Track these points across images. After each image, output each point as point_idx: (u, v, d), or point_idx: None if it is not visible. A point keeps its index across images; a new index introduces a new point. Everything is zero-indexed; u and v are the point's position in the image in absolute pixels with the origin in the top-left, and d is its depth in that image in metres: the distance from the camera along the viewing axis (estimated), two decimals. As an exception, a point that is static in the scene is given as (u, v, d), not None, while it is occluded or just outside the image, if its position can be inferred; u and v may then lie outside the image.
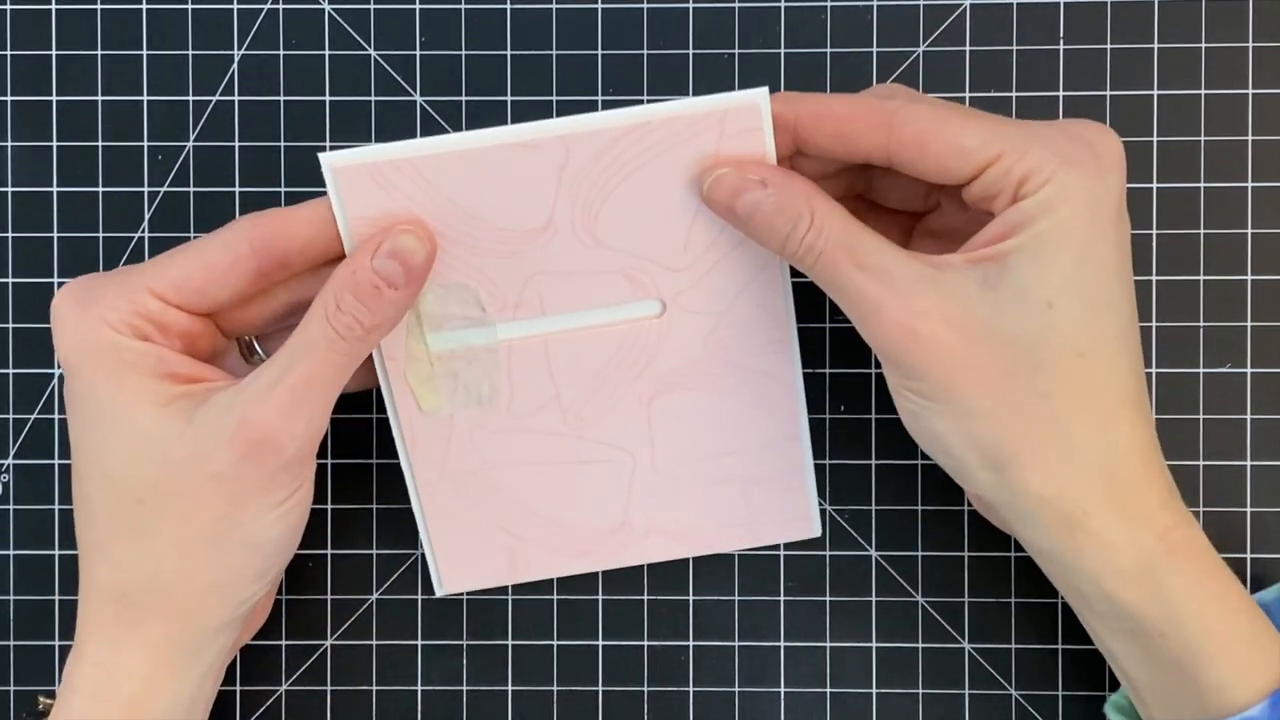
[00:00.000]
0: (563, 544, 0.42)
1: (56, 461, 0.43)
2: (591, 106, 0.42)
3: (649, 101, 0.40)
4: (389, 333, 0.37)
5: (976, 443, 0.34)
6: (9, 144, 0.43)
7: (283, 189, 0.43)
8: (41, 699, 0.41)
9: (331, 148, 0.42)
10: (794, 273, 0.39)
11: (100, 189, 0.43)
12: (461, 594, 0.43)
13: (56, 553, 0.43)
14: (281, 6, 0.43)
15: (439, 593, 0.42)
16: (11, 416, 0.43)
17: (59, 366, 0.43)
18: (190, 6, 0.43)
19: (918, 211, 0.39)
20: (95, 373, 0.35)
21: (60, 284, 0.43)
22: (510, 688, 0.43)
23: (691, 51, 0.42)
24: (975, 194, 0.35)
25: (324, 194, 0.36)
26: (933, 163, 0.34)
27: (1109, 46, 0.42)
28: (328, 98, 0.43)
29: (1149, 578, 0.34)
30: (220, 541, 0.36)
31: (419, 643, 0.43)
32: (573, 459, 0.40)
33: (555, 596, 0.43)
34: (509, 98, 0.42)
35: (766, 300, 0.39)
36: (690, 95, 0.42)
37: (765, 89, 0.35)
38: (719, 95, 0.35)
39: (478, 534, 0.41)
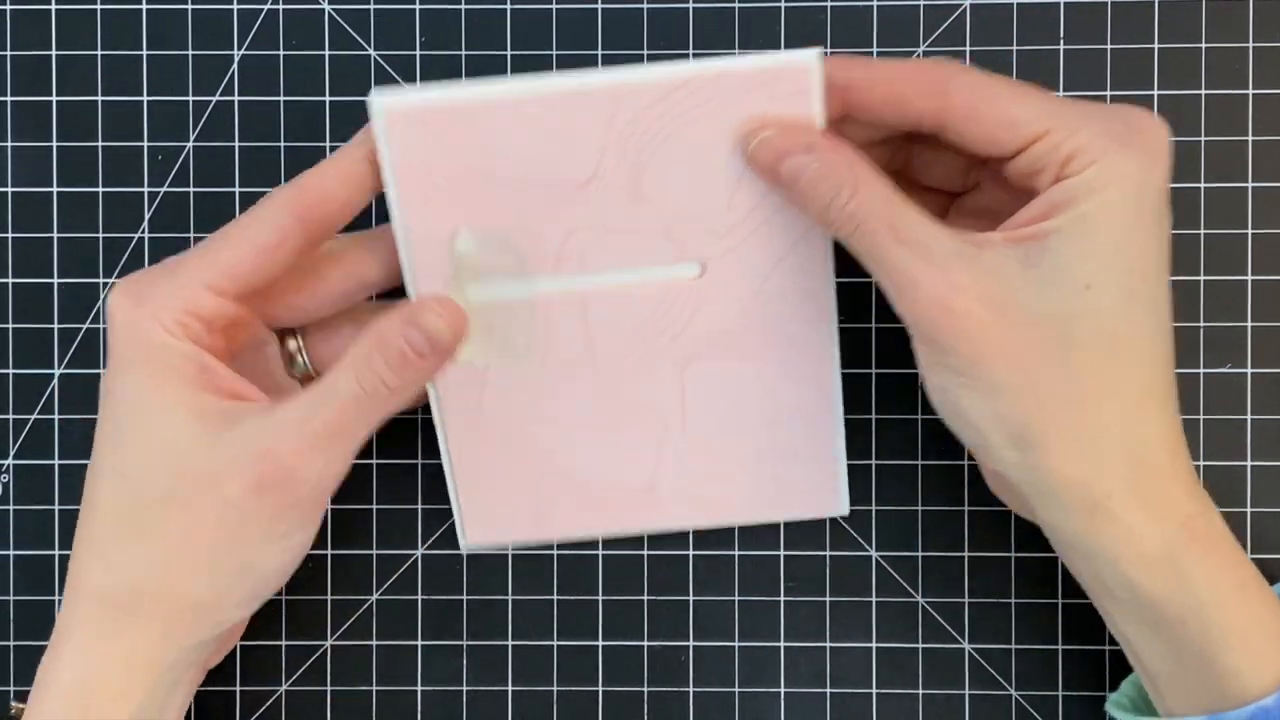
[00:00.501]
0: (589, 504, 0.41)
1: (56, 462, 0.43)
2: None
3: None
4: (416, 392, 0.37)
5: (1004, 421, 0.34)
6: (9, 144, 0.43)
7: (283, 189, 0.43)
8: (14, 704, 0.41)
9: (373, 98, 0.42)
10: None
11: (100, 189, 0.43)
12: (485, 548, 0.42)
13: (56, 553, 0.43)
14: (281, 6, 0.43)
15: (463, 546, 0.42)
16: (11, 416, 0.43)
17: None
18: (190, 6, 0.43)
19: (956, 190, 0.39)
20: (140, 372, 0.35)
21: (60, 284, 0.43)
22: (510, 688, 0.43)
23: (691, 51, 0.42)
24: (1020, 169, 0.34)
25: (349, 141, 0.37)
26: (983, 132, 0.34)
27: (1109, 46, 0.42)
28: (328, 98, 0.43)
29: (1170, 565, 0.34)
30: (217, 563, 0.36)
31: (419, 643, 0.43)
32: (604, 419, 0.40)
33: (555, 597, 0.43)
34: (509, 98, 0.42)
35: (808, 268, 0.38)
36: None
37: (818, 50, 0.35)
38: (771, 54, 0.35)
39: (505, 488, 0.41)
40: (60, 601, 0.40)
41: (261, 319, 0.38)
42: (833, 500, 0.42)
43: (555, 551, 0.43)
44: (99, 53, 0.43)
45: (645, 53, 0.42)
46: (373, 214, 0.42)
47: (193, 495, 0.35)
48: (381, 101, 0.35)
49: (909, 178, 0.39)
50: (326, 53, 0.43)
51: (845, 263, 0.37)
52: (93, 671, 0.36)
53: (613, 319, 0.39)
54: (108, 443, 0.36)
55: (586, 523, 0.42)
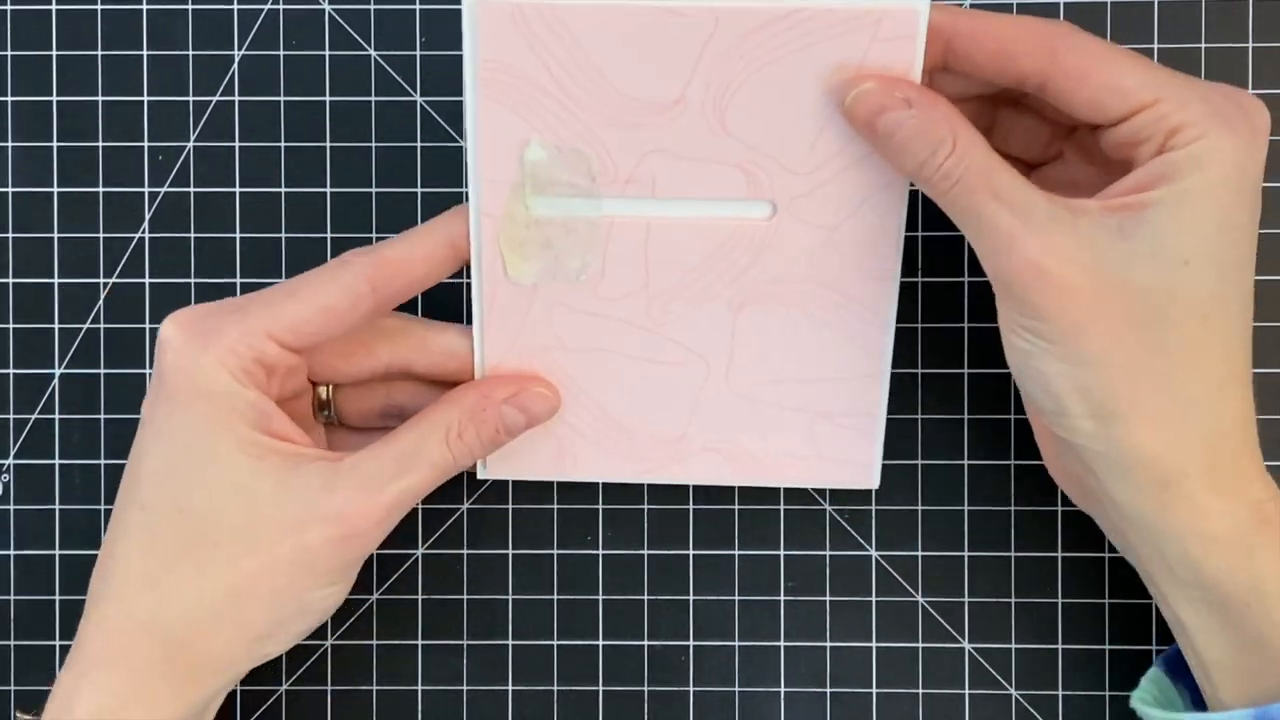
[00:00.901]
0: (617, 445, 0.41)
1: (57, 462, 0.43)
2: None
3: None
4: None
5: (1086, 390, 0.34)
6: (9, 144, 0.43)
7: (283, 189, 0.43)
8: (19, 715, 0.41)
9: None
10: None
11: (100, 189, 0.43)
12: (505, 479, 0.42)
13: (56, 553, 0.43)
14: (281, 6, 0.43)
15: (481, 474, 0.42)
16: (12, 416, 0.43)
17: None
18: (190, 6, 0.43)
19: (1036, 161, 0.39)
20: (200, 411, 0.36)
21: (60, 284, 0.43)
22: (510, 688, 0.43)
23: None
24: (1120, 137, 0.34)
25: (437, 218, 0.38)
26: (1089, 96, 0.34)
27: (1109, 46, 0.42)
28: (328, 98, 0.43)
29: (1238, 547, 0.34)
30: (280, 602, 0.36)
31: (419, 643, 0.43)
32: (648, 355, 0.39)
33: (555, 597, 0.43)
34: (509, 98, 0.42)
35: (881, 224, 0.38)
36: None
37: None
38: None
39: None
40: (60, 602, 0.40)
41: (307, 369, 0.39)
42: (865, 471, 0.41)
43: (555, 551, 0.43)
44: (99, 53, 0.43)
45: (645, 53, 0.42)
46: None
47: (266, 538, 0.36)
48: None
49: (992, 144, 0.38)
50: (326, 53, 0.43)
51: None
52: (134, 695, 0.36)
53: (674, 251, 0.38)
54: (158, 479, 0.36)
55: (610, 467, 0.41)
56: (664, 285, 0.39)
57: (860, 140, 0.36)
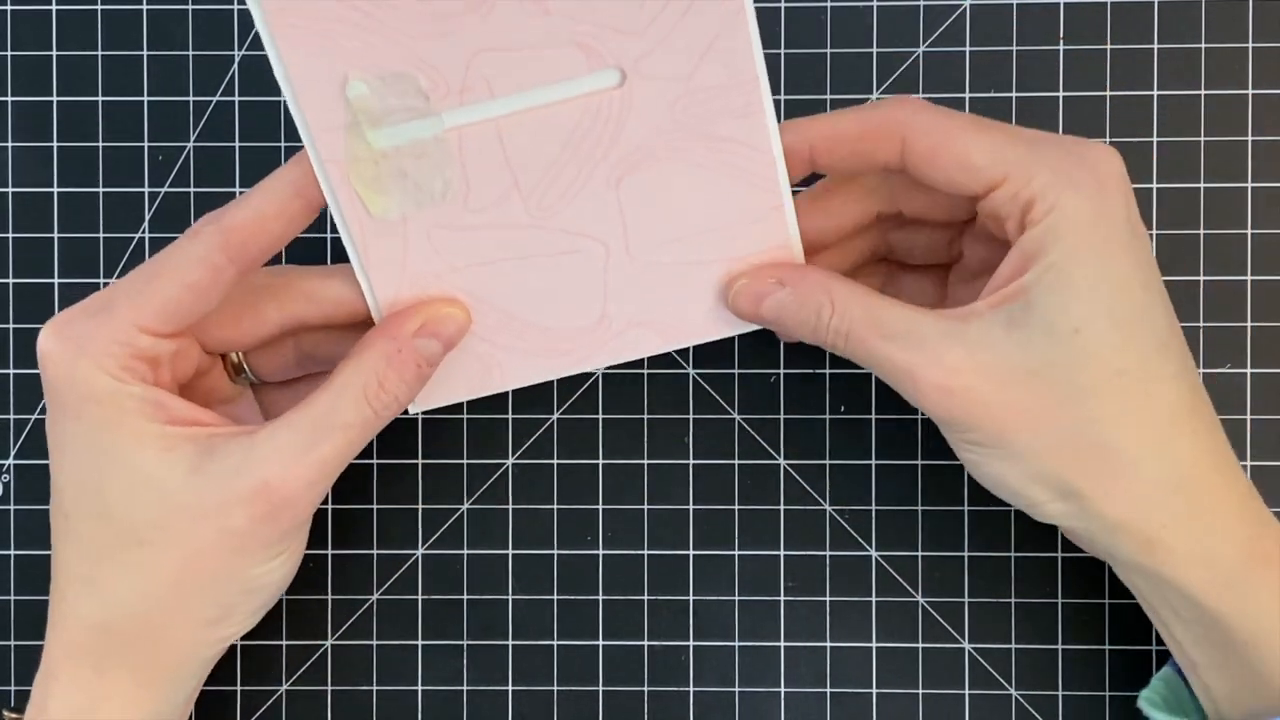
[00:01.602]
0: (537, 345, 0.39)
1: (57, 461, 0.43)
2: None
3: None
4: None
5: (1042, 479, 0.34)
6: (9, 144, 0.43)
7: (283, 189, 0.43)
8: (8, 713, 0.41)
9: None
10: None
11: (100, 189, 0.43)
12: (431, 411, 0.40)
13: (57, 553, 0.43)
14: (281, 7, 0.43)
15: (412, 410, 0.40)
16: (12, 417, 0.43)
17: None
18: (190, 6, 0.43)
19: (944, 262, 0.40)
20: (93, 418, 0.35)
21: (60, 284, 0.43)
22: (510, 688, 0.43)
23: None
24: (987, 213, 0.35)
25: (280, 170, 0.36)
26: (943, 176, 0.35)
27: (1109, 47, 0.42)
28: (328, 98, 0.43)
29: (1234, 588, 0.34)
30: (220, 586, 0.36)
31: (419, 643, 0.43)
32: (541, 252, 0.38)
33: (555, 597, 0.43)
34: (509, 98, 0.42)
35: (734, 60, 0.35)
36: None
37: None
38: None
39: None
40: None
41: (199, 344, 0.38)
42: (783, 246, 0.38)
43: (555, 551, 0.43)
44: (99, 53, 0.43)
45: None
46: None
47: (189, 526, 0.35)
48: None
49: (897, 261, 0.40)
50: (326, 53, 0.43)
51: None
52: (102, 687, 0.36)
53: (533, 143, 0.36)
54: (75, 487, 0.36)
55: (539, 365, 0.39)
56: (534, 180, 0.37)
57: None
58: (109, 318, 0.35)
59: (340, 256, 0.41)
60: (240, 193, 0.43)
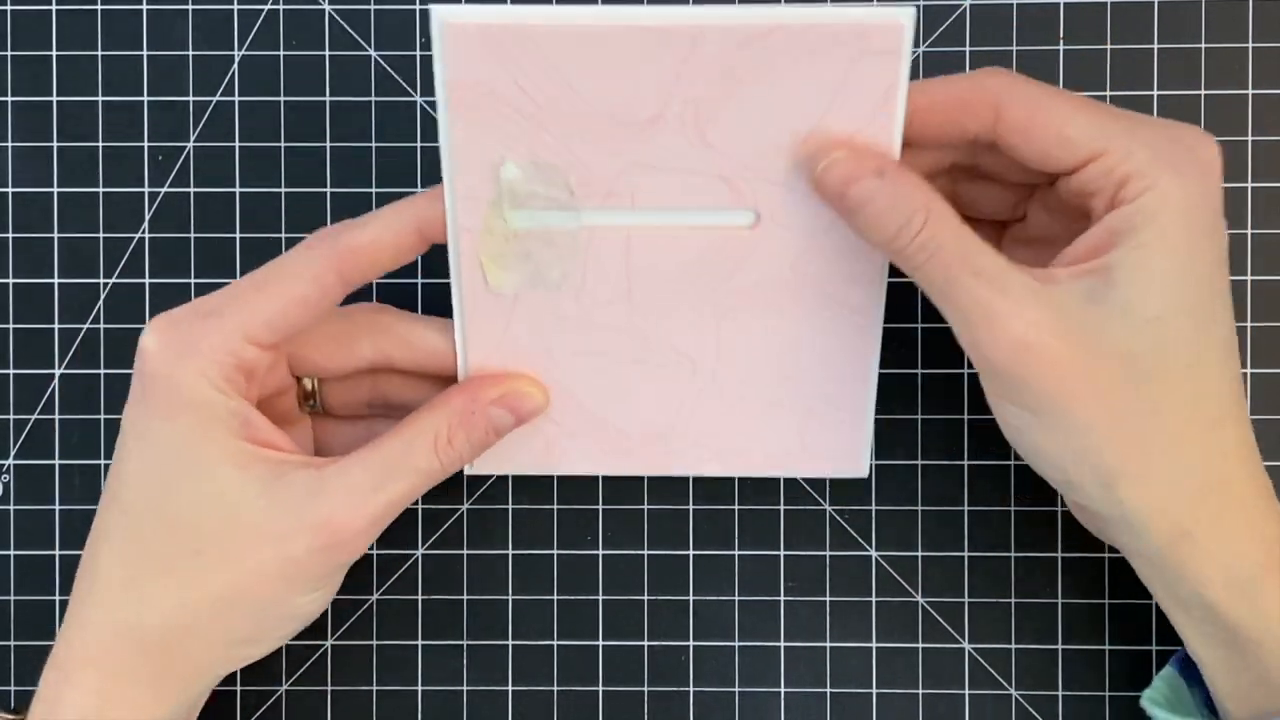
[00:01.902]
0: (604, 441, 0.40)
1: (57, 462, 0.43)
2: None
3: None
4: None
5: (1085, 458, 0.34)
6: (9, 144, 0.43)
7: (283, 189, 0.43)
8: (4, 715, 0.41)
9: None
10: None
11: (100, 189, 0.43)
12: (491, 475, 0.41)
13: (57, 553, 0.43)
14: (281, 6, 0.43)
15: (468, 471, 0.41)
16: (12, 417, 0.43)
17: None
18: (190, 6, 0.43)
19: (1004, 220, 0.39)
20: (184, 422, 0.35)
21: (60, 284, 0.43)
22: (510, 688, 0.43)
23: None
24: (1074, 188, 0.34)
25: (401, 201, 0.37)
26: (1037, 149, 0.34)
27: (1109, 47, 0.42)
28: (328, 98, 0.43)
29: (1251, 590, 0.34)
30: (264, 610, 0.36)
31: (419, 643, 0.43)
32: (633, 357, 0.39)
33: (555, 597, 0.43)
34: (509, 98, 0.42)
35: None
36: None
37: (912, 8, 0.33)
38: (862, 8, 0.34)
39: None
40: (60, 602, 0.40)
41: (288, 364, 0.39)
42: (854, 460, 0.41)
43: (555, 551, 0.43)
44: (99, 53, 0.43)
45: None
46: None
47: (250, 547, 0.35)
48: (442, 15, 0.34)
49: (958, 211, 0.39)
50: (326, 53, 0.43)
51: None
52: (119, 693, 0.36)
53: (657, 259, 0.37)
54: (142, 487, 0.36)
55: (600, 460, 0.41)
56: (647, 293, 0.38)
57: None
58: (219, 323, 0.36)
59: (397, 299, 0.42)
60: (240, 193, 0.43)
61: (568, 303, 0.38)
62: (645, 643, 0.43)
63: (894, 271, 0.38)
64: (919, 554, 0.43)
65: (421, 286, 0.43)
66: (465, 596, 0.43)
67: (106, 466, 0.43)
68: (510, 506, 0.43)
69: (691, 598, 0.43)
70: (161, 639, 0.36)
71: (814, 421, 0.40)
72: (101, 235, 0.43)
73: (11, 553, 0.43)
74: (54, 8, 0.43)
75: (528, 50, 0.34)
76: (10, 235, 0.43)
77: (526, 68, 0.34)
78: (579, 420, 0.40)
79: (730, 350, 0.39)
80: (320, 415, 0.41)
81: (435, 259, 0.39)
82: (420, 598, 0.43)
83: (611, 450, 0.41)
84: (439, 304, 0.42)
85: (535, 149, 0.36)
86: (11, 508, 0.43)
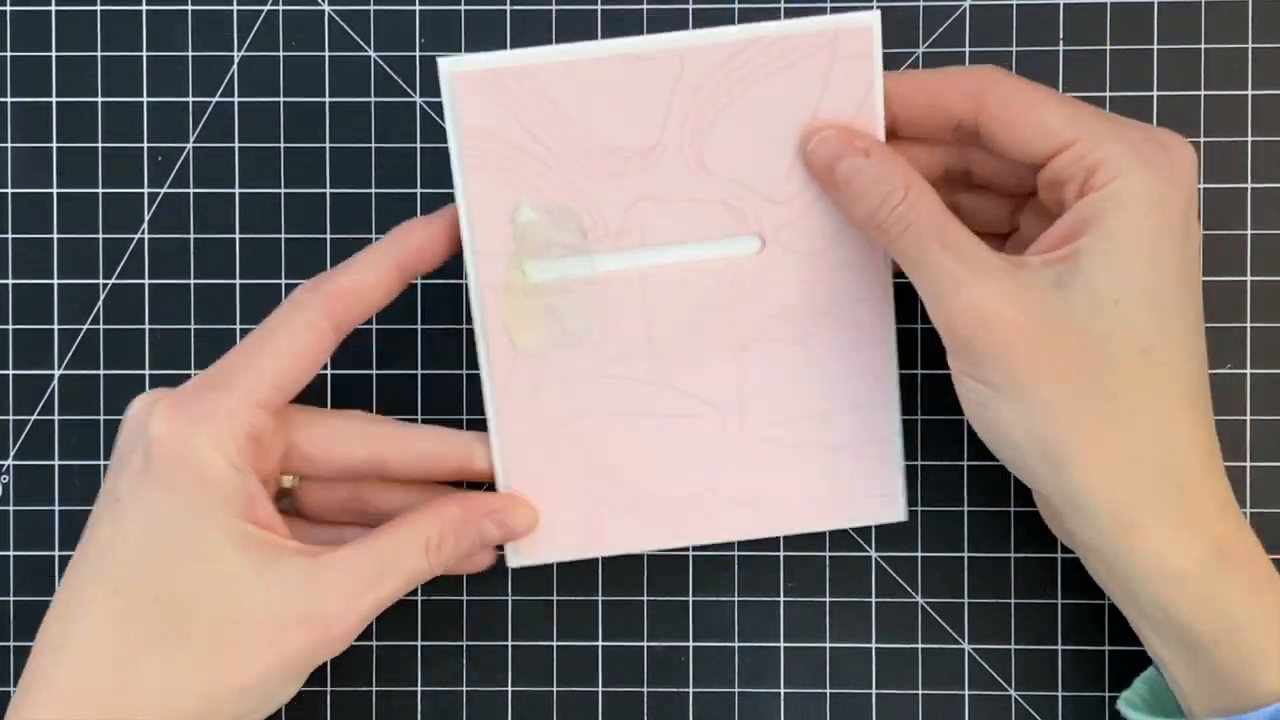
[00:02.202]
0: (642, 510, 0.40)
1: (57, 462, 0.43)
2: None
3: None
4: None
5: (1038, 436, 0.34)
6: (9, 144, 0.43)
7: (283, 189, 0.43)
8: None
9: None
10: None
11: (100, 189, 0.43)
12: (532, 565, 0.41)
13: (56, 553, 0.43)
14: (281, 7, 0.43)
15: (512, 563, 0.41)
16: (11, 417, 0.43)
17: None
18: (190, 7, 0.43)
19: (1002, 233, 0.40)
20: (192, 501, 0.35)
21: (60, 284, 0.43)
22: (510, 688, 0.43)
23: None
24: (1048, 179, 0.35)
25: (379, 242, 0.38)
26: (1015, 137, 0.35)
27: (1109, 47, 0.42)
28: (328, 98, 0.43)
29: (1202, 585, 0.34)
30: (246, 697, 0.36)
31: (419, 643, 0.43)
32: (660, 411, 0.40)
33: (555, 597, 0.43)
34: (509, 98, 0.42)
35: (866, 243, 0.38)
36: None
37: (876, 12, 0.36)
38: (831, 16, 0.36)
39: (557, 497, 0.40)
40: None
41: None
42: (890, 502, 0.41)
43: (555, 552, 0.43)
44: (99, 53, 0.43)
45: (645, 53, 0.42)
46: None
47: (245, 635, 0.35)
48: (450, 67, 0.36)
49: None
50: (326, 53, 0.43)
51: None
52: None
53: (672, 298, 0.39)
54: (138, 561, 0.35)
55: (639, 534, 0.41)
56: (666, 334, 0.39)
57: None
58: (227, 395, 0.36)
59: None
60: (240, 193, 0.43)
61: (591, 357, 0.39)
62: (645, 643, 0.43)
63: (896, 272, 0.38)
64: (919, 554, 0.43)
65: (421, 287, 0.43)
66: (465, 597, 0.43)
67: (106, 467, 0.43)
68: (510, 507, 0.43)
69: (691, 598, 0.43)
70: (128, 708, 0.35)
71: (845, 460, 0.40)
72: (101, 236, 0.43)
73: (11, 553, 0.43)
74: (54, 8, 0.43)
75: (529, 91, 0.36)
76: (10, 235, 0.43)
77: (530, 109, 0.36)
78: (613, 488, 0.40)
79: (752, 390, 0.40)
80: (290, 516, 0.40)
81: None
82: (420, 598, 0.43)
83: (649, 520, 0.41)
84: (440, 305, 0.42)
85: (546, 191, 0.37)
86: (11, 508, 0.43)
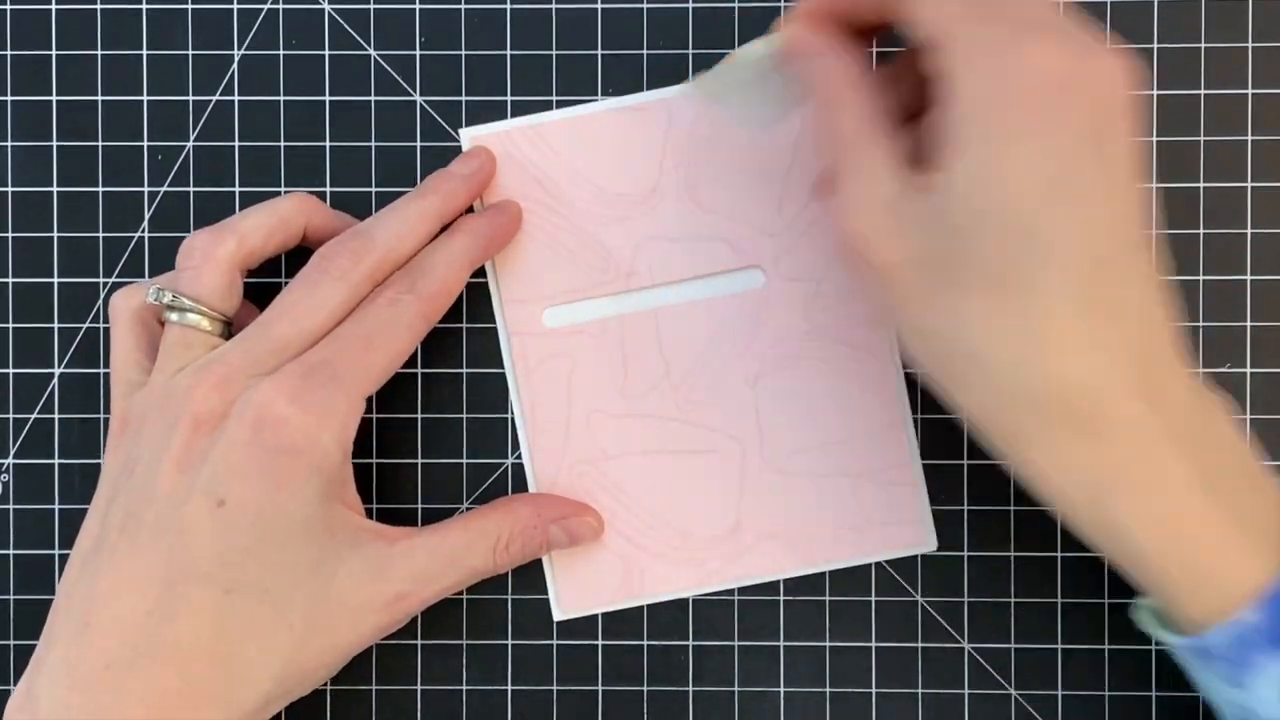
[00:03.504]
0: (676, 551, 0.41)
1: (56, 461, 0.43)
2: (591, 106, 0.42)
3: (649, 101, 0.41)
4: None
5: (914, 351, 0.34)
6: (9, 144, 0.43)
7: (283, 189, 0.43)
8: None
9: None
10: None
11: (100, 189, 0.43)
12: (578, 615, 0.42)
13: (56, 553, 0.43)
14: (281, 6, 0.43)
15: (558, 617, 0.42)
16: (12, 416, 0.43)
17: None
18: (190, 6, 0.43)
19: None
20: (313, 493, 0.36)
21: (60, 284, 0.43)
22: (510, 688, 0.43)
23: (691, 51, 0.42)
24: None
25: (393, 200, 0.39)
26: (909, 34, 0.33)
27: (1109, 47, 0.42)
28: (328, 98, 0.43)
29: (1096, 512, 0.33)
30: (308, 682, 0.37)
31: (419, 643, 0.43)
32: (685, 448, 0.41)
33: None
34: (509, 98, 0.42)
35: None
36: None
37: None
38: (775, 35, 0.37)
39: (594, 545, 0.42)
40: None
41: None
42: (919, 530, 0.41)
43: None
44: (99, 53, 0.43)
45: (645, 53, 0.42)
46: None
47: (336, 621, 0.36)
48: (471, 135, 0.41)
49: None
50: (326, 53, 0.43)
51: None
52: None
53: (684, 333, 0.41)
54: (249, 556, 0.35)
55: (673, 579, 0.42)
56: (683, 371, 0.41)
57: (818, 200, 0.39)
58: (341, 389, 0.36)
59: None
60: (240, 192, 0.43)
61: (614, 397, 0.41)
62: (645, 643, 0.43)
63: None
64: (919, 554, 0.43)
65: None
66: (465, 596, 0.43)
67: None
68: (510, 506, 0.43)
69: (691, 598, 0.43)
70: (249, 713, 0.36)
71: (867, 486, 0.41)
72: (101, 235, 0.43)
73: (11, 552, 0.43)
74: (54, 8, 0.43)
75: (539, 148, 0.41)
76: (10, 235, 0.43)
77: (541, 164, 0.41)
78: (646, 529, 0.41)
79: (770, 421, 0.41)
80: None
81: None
82: (420, 597, 0.43)
83: (684, 560, 0.42)
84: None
85: (562, 240, 0.41)
86: (11, 507, 0.43)
